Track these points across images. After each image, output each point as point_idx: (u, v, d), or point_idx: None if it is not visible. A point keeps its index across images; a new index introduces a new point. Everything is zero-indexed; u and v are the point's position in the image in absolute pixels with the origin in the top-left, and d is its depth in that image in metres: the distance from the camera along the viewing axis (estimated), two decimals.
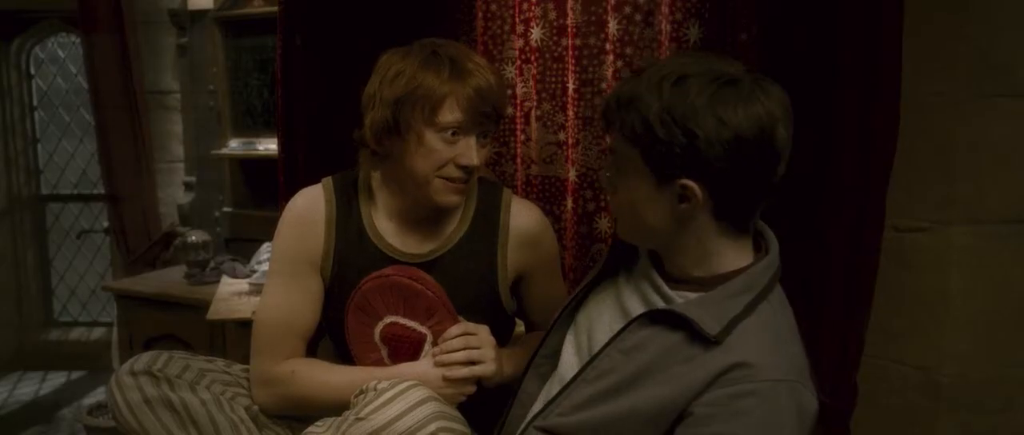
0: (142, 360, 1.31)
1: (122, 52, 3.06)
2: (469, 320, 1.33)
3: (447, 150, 1.28)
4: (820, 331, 1.53)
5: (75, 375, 3.77)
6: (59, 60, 3.94)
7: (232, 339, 2.45)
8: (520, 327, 1.56)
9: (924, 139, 1.52)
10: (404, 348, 1.34)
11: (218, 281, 2.60)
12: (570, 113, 1.79)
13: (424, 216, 1.39)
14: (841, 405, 1.55)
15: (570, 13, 1.77)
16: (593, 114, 1.78)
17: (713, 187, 0.98)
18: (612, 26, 1.71)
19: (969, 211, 1.52)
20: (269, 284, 1.40)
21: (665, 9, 1.64)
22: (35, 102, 3.94)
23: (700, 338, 0.98)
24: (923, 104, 1.51)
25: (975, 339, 1.55)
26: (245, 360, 1.40)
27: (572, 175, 1.80)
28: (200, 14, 3.12)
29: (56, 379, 3.74)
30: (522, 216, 1.43)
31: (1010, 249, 1.54)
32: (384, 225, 1.40)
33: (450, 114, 1.26)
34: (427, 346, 1.33)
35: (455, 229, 1.40)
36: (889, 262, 1.54)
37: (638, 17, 1.70)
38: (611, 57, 1.72)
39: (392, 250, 1.38)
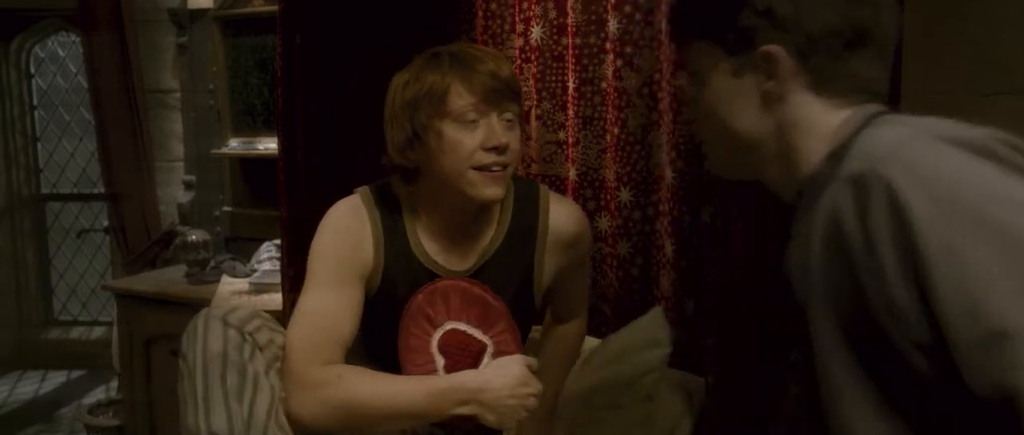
0: (237, 315, 1.23)
1: (122, 51, 3.07)
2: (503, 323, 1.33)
3: (470, 138, 1.24)
4: None
5: (75, 374, 3.78)
6: (59, 59, 3.94)
7: None
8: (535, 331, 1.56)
9: None
10: (463, 358, 1.30)
11: (218, 280, 2.60)
12: (570, 112, 1.79)
13: (464, 228, 1.36)
14: None
15: (570, 12, 1.76)
16: (593, 113, 1.78)
17: (797, 45, 0.83)
18: (612, 25, 1.71)
19: None
20: (312, 290, 1.30)
21: (665, 8, 1.64)
22: (35, 101, 3.94)
23: None
24: (923, 102, 1.51)
25: None
26: None
27: (572, 174, 1.80)
28: (200, 13, 3.12)
29: (56, 378, 3.75)
30: (562, 218, 1.41)
31: None
32: (428, 243, 1.36)
33: (459, 99, 1.24)
34: (487, 357, 1.30)
35: (494, 236, 1.38)
36: None
37: (638, 16, 1.70)
38: (611, 56, 1.72)
39: (438, 267, 1.35)
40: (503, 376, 1.23)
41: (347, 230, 1.34)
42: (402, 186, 1.34)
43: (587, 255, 1.51)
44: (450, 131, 1.24)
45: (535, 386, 1.25)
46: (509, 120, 1.28)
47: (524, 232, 1.39)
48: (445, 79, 1.24)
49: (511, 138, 1.27)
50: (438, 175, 1.28)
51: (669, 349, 1.51)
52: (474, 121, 1.24)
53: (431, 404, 1.20)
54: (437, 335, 1.29)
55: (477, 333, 1.29)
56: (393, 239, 1.35)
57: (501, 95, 1.25)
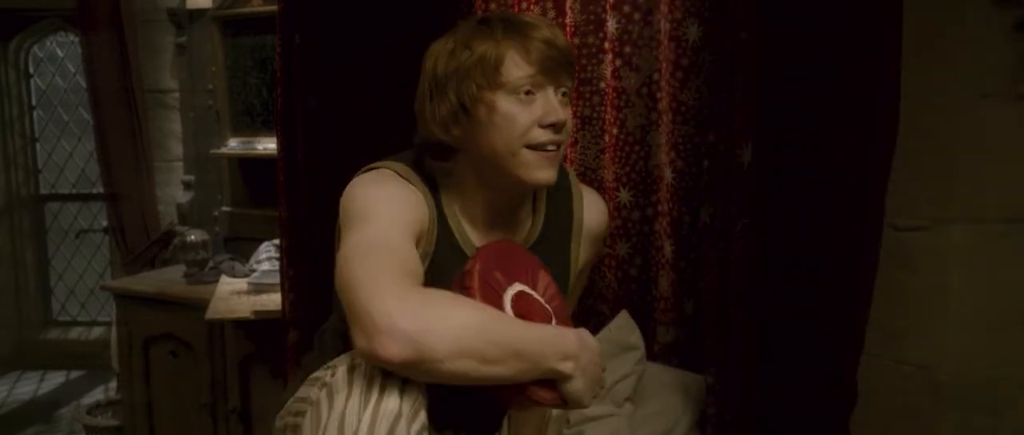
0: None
1: (121, 51, 3.07)
2: None
3: (526, 113, 1.13)
4: (820, 330, 1.52)
5: (74, 374, 3.78)
6: (58, 59, 3.94)
7: (231, 338, 2.46)
8: None
9: (924, 138, 1.52)
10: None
11: (217, 280, 2.60)
12: (569, 112, 1.79)
13: (505, 216, 1.24)
14: (841, 404, 1.55)
15: (569, 12, 1.76)
16: (592, 113, 1.77)
17: None
18: (611, 25, 1.71)
19: (969, 210, 1.52)
20: (364, 227, 1.08)
21: (664, 8, 1.63)
22: (34, 101, 3.94)
23: None
24: (923, 102, 1.50)
25: (975, 338, 1.55)
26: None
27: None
28: (199, 13, 3.12)
29: (55, 378, 3.75)
30: (594, 210, 1.35)
31: (1010, 248, 1.53)
32: (471, 232, 1.23)
33: (517, 69, 1.13)
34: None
35: (532, 226, 1.28)
36: (889, 261, 1.53)
37: (637, 16, 1.70)
38: (610, 56, 1.71)
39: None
40: (591, 343, 1.10)
41: (401, 192, 1.16)
42: (436, 167, 1.21)
43: (603, 251, 1.43)
44: (504, 104, 1.13)
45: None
46: (565, 94, 1.17)
47: (561, 222, 1.31)
48: (499, 47, 1.13)
49: (567, 115, 1.16)
50: (485, 154, 1.16)
51: (642, 351, 1.51)
52: (531, 94, 1.13)
53: (539, 349, 1.01)
54: (508, 298, 1.11)
55: (538, 298, 1.14)
56: (440, 222, 1.21)
57: (559, 66, 1.15)
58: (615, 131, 1.73)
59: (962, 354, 1.55)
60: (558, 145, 1.16)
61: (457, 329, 0.95)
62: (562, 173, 1.31)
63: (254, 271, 2.50)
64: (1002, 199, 1.52)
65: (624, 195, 1.74)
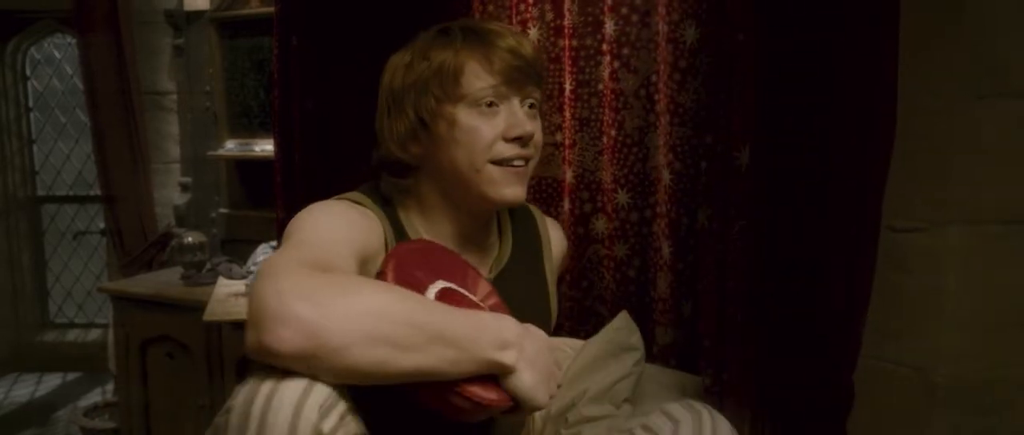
0: (314, 400, 0.79)
1: (118, 53, 3.06)
2: None
3: (489, 125, 1.05)
4: (817, 332, 1.53)
5: (71, 376, 3.77)
6: (55, 61, 3.94)
7: (228, 340, 2.46)
8: None
9: (920, 139, 1.52)
10: None
11: (214, 282, 2.59)
12: (567, 114, 1.79)
13: (471, 238, 1.15)
14: (838, 406, 1.55)
15: (567, 14, 1.76)
16: (590, 115, 1.78)
17: None
18: (609, 27, 1.71)
19: (965, 211, 1.52)
20: (293, 238, 0.96)
21: (662, 9, 1.64)
22: (31, 103, 3.94)
23: None
24: (919, 104, 1.51)
25: (971, 339, 1.55)
26: None
27: (569, 176, 1.80)
28: (196, 15, 3.12)
29: (52, 381, 3.74)
30: (556, 230, 1.30)
31: (1006, 249, 1.54)
32: None
33: (478, 80, 1.05)
34: None
35: (501, 246, 1.20)
36: (885, 263, 1.54)
37: (635, 18, 1.70)
38: (608, 58, 1.72)
39: None
40: (536, 332, 0.98)
41: (349, 214, 1.04)
42: (396, 188, 1.13)
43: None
44: (465, 117, 1.05)
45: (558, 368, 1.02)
46: (532, 106, 1.09)
47: (530, 244, 1.24)
48: (458, 56, 1.06)
49: (535, 127, 1.08)
50: (448, 172, 1.08)
51: (642, 352, 1.51)
52: (494, 105, 1.06)
53: (470, 334, 0.86)
54: (431, 294, 0.97)
55: (470, 297, 1.02)
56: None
57: (525, 76, 1.07)
58: (613, 133, 1.73)
59: (958, 356, 1.55)
60: (526, 160, 1.08)
61: (363, 310, 0.79)
62: None
63: (251, 273, 2.50)
64: (998, 201, 1.53)
65: (622, 196, 1.74)
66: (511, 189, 1.06)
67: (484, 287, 1.06)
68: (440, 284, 0.98)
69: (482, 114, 1.05)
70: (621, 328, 1.47)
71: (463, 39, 1.07)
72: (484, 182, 1.06)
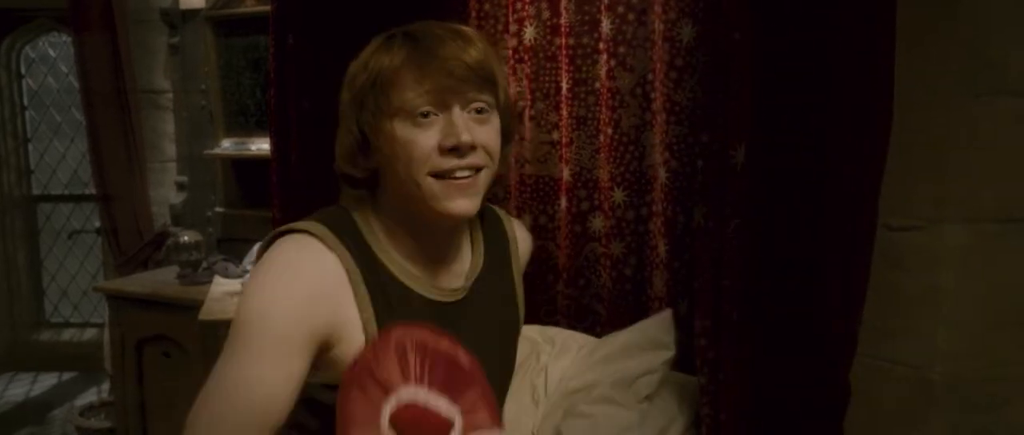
0: None
1: (113, 51, 3.06)
2: (503, 353, 1.11)
3: (424, 137, 0.97)
4: (813, 330, 1.53)
5: (66, 376, 3.77)
6: (50, 59, 3.93)
7: (224, 339, 2.45)
8: None
9: (917, 137, 1.52)
10: None
11: (210, 281, 2.59)
12: (564, 112, 1.79)
13: (440, 251, 1.09)
14: (834, 404, 1.55)
15: (564, 12, 1.76)
16: (587, 113, 1.78)
17: None
18: (605, 25, 1.71)
19: (962, 210, 1.52)
20: (243, 355, 0.95)
21: (658, 8, 1.64)
22: (26, 102, 3.93)
23: None
24: (916, 102, 1.51)
25: (968, 338, 1.55)
26: None
27: (566, 174, 1.80)
28: (192, 13, 3.11)
29: (47, 380, 3.73)
30: (524, 234, 1.26)
31: (1003, 248, 1.54)
32: (412, 268, 1.07)
33: (408, 90, 0.97)
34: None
35: (474, 254, 1.15)
36: (882, 261, 1.54)
37: (631, 16, 1.70)
38: (604, 56, 1.72)
39: (432, 291, 1.07)
40: None
41: (309, 293, 0.98)
42: (357, 206, 1.08)
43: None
44: (400, 130, 0.98)
45: None
46: (480, 111, 1.00)
47: (501, 248, 1.19)
48: (393, 64, 0.99)
49: (482, 134, 1.00)
50: (394, 188, 1.03)
51: (673, 353, 1.51)
52: (429, 116, 0.98)
53: None
54: (388, 406, 0.92)
55: (441, 404, 0.95)
56: (375, 275, 1.04)
57: (464, 81, 0.98)
58: (610, 131, 1.73)
59: (955, 354, 1.55)
60: (475, 168, 0.99)
61: None
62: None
63: (247, 272, 2.50)
64: (995, 199, 1.52)
65: (619, 195, 1.74)
66: (455, 202, 0.99)
67: (473, 387, 0.98)
68: (405, 396, 0.93)
69: (417, 125, 0.98)
70: (659, 324, 1.46)
71: (400, 47, 1.00)
72: (427, 197, 0.99)
